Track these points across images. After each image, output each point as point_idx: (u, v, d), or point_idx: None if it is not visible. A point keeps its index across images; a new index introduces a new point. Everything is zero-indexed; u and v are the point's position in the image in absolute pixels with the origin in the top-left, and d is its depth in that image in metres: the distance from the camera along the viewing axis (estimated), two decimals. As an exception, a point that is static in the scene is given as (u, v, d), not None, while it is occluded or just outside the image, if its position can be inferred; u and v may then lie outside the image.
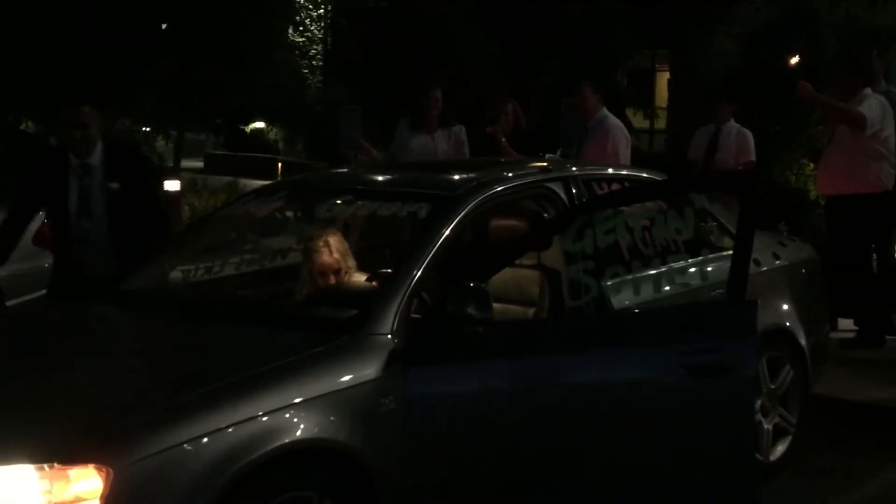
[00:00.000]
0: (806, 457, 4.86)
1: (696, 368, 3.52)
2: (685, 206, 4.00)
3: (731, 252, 3.79)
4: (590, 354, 3.59)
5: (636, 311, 4.03)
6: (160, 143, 18.09)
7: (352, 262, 4.31)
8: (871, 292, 7.11)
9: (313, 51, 17.40)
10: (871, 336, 7.13)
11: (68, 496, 2.77)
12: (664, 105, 17.30)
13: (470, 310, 3.44)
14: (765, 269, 4.87)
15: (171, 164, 15.54)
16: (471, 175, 4.29)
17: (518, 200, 4.51)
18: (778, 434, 4.89)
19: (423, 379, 3.40)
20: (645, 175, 5.02)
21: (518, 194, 4.39)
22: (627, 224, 3.97)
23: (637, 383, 3.59)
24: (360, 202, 4.41)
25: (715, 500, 3.67)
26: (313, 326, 3.68)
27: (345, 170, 5.49)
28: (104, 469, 2.77)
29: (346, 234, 4.65)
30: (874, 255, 7.32)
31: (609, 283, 3.88)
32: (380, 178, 4.86)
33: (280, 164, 18.11)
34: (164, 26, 13.06)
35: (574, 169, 4.79)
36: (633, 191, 4.58)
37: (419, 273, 3.66)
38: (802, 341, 4.91)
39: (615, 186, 4.60)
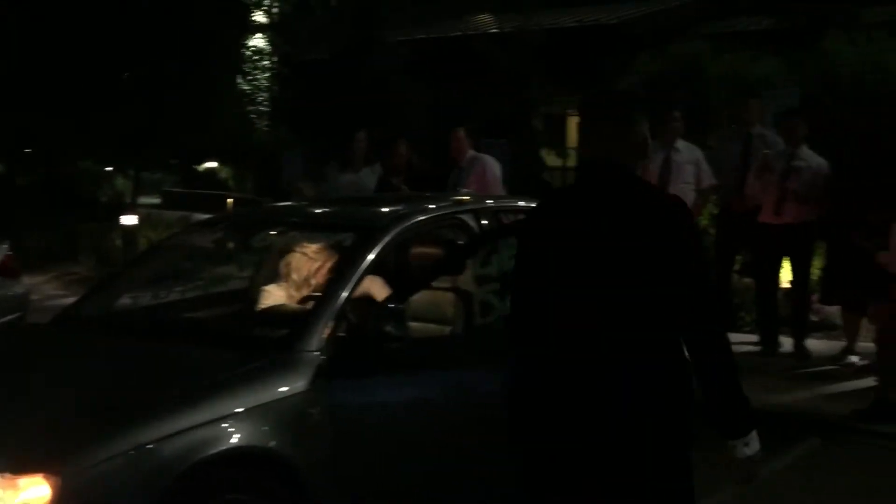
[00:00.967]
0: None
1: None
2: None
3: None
4: (495, 366, 3.61)
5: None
6: (120, 181, 17.86)
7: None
8: None
9: (261, 98, 17.31)
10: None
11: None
12: (574, 146, 17.57)
13: (388, 328, 3.47)
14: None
15: (129, 200, 15.33)
16: (393, 208, 4.32)
17: (434, 230, 4.55)
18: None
19: (347, 390, 3.41)
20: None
21: (434, 225, 4.43)
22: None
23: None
24: (292, 233, 4.42)
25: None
26: (249, 345, 3.68)
27: (282, 204, 5.48)
28: (52, 477, 2.74)
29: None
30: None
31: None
32: (312, 212, 4.88)
33: (230, 200, 17.93)
34: (125, 76, 12.94)
35: (487, 202, 4.86)
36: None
37: (345, 295, 3.68)
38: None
39: (521, 216, 4.64)
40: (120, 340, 3.84)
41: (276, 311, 4.20)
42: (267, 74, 15.59)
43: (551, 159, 17.23)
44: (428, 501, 3.57)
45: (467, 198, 4.99)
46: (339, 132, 8.00)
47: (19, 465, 2.77)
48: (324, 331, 3.50)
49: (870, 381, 6.29)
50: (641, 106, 2.67)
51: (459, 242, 4.40)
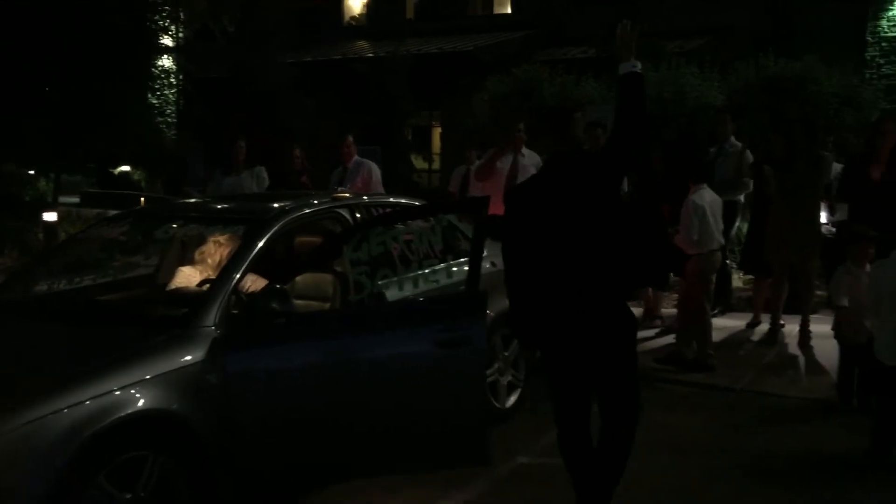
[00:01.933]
0: (536, 403, 4.85)
1: (444, 342, 3.55)
2: (437, 224, 4.07)
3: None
4: (368, 335, 3.60)
5: (402, 301, 4.06)
6: (41, 183, 16.96)
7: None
8: None
9: (168, 110, 16.70)
10: None
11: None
12: (438, 152, 17.66)
13: (274, 305, 3.43)
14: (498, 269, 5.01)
15: (50, 199, 14.55)
16: (279, 204, 4.25)
17: (315, 222, 4.50)
18: (511, 388, 5.07)
19: (240, 360, 3.35)
20: (404, 201, 5.06)
21: (315, 217, 4.39)
22: (395, 237, 3.90)
23: (402, 354, 3.58)
24: (191, 225, 4.29)
25: (458, 433, 3.66)
26: (154, 323, 3.56)
27: (183, 201, 5.30)
28: None
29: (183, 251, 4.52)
30: None
31: (381, 283, 3.84)
32: (208, 207, 4.74)
33: (143, 199, 17.24)
34: (47, 89, 12.29)
35: (361, 198, 4.83)
36: (398, 213, 4.61)
37: (237, 277, 3.61)
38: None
39: (388, 210, 4.65)
40: (36, 323, 3.65)
41: (177, 293, 4.08)
42: (174, 91, 15.06)
43: (419, 163, 17.33)
44: (314, 450, 3.53)
45: (345, 195, 4.95)
46: (233, 140, 7.83)
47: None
48: (219, 308, 3.42)
49: (670, 339, 6.61)
50: (581, 115, 3.54)
51: (337, 232, 4.37)
